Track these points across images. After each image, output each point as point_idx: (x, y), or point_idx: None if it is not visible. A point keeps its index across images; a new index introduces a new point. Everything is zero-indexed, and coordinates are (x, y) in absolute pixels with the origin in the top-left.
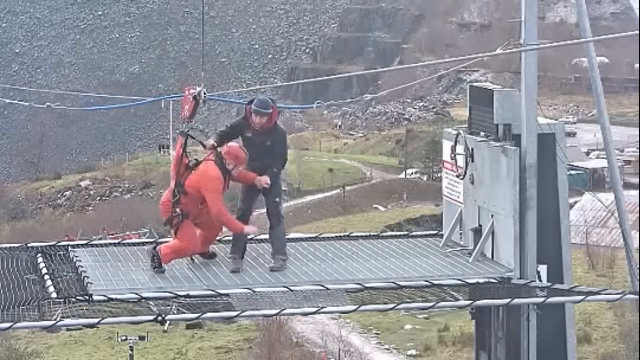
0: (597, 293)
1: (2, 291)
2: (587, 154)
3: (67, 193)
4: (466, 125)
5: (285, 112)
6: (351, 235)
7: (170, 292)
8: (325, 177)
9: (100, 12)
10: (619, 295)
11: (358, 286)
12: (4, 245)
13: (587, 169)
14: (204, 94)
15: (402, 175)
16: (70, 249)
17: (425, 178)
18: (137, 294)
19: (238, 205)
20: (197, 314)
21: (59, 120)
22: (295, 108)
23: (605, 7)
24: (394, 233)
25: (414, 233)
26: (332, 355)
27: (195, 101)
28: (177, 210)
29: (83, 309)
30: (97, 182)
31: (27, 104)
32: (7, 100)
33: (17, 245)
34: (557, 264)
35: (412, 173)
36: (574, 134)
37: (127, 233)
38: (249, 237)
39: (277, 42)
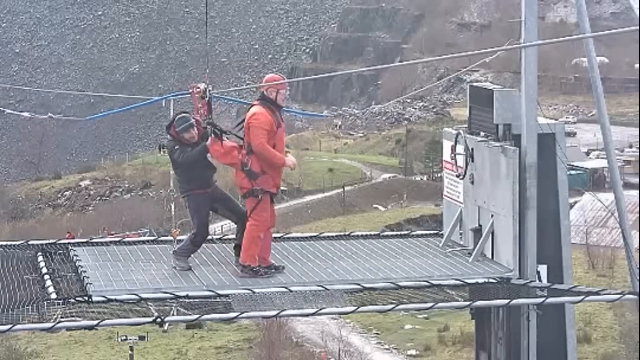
0: (597, 293)
1: (2, 291)
2: (587, 154)
3: (67, 193)
4: (466, 125)
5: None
6: (351, 235)
7: (170, 293)
8: (325, 177)
9: (100, 12)
10: (619, 295)
11: (358, 287)
12: (3, 243)
13: (587, 169)
14: (209, 91)
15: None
16: (70, 247)
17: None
18: (136, 294)
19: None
20: (197, 316)
21: (59, 121)
22: (303, 115)
23: (605, 7)
24: (394, 233)
25: (414, 233)
26: (332, 355)
27: (205, 99)
28: (255, 183)
29: (82, 310)
30: (97, 182)
31: (28, 114)
32: (7, 111)
33: (17, 242)
34: (557, 264)
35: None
36: (574, 134)
37: (127, 233)
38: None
39: (277, 42)
